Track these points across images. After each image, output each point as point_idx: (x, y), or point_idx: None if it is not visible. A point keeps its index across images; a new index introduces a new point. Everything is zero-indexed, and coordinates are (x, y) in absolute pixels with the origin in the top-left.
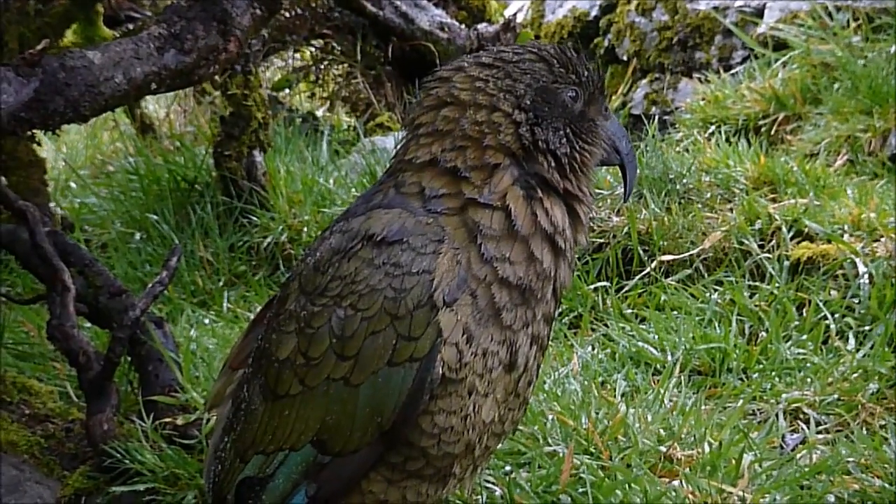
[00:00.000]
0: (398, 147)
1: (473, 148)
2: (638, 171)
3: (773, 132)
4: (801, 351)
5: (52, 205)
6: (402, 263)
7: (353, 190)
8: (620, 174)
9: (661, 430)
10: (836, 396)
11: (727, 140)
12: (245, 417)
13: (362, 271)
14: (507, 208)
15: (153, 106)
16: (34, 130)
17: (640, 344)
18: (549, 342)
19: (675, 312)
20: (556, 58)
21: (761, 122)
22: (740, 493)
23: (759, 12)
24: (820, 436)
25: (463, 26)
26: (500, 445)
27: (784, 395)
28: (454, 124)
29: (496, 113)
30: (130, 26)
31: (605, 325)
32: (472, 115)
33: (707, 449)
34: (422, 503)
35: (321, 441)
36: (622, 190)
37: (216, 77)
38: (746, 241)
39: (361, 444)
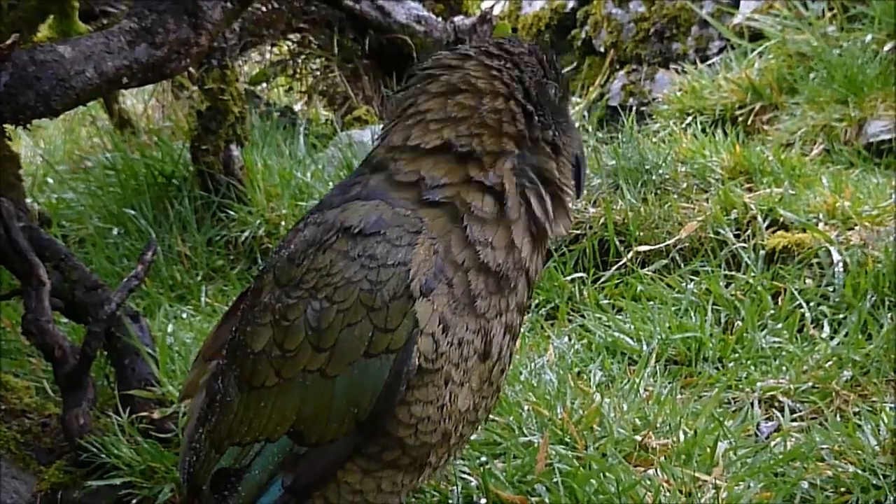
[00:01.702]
0: (383, 134)
1: (490, 134)
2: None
3: (749, 122)
4: (776, 339)
5: (29, 200)
6: (378, 255)
7: (331, 183)
8: (574, 171)
9: (637, 420)
10: (810, 384)
11: (703, 130)
12: (220, 409)
13: (337, 263)
14: (503, 192)
15: (131, 101)
16: (4, 125)
17: (617, 334)
18: (521, 331)
19: (652, 302)
20: (543, 54)
21: (738, 113)
22: (715, 481)
23: (735, 3)
24: (794, 423)
25: (440, 19)
26: (474, 434)
27: (759, 384)
28: (470, 111)
29: (512, 101)
30: (106, 21)
31: (582, 316)
32: (490, 103)
33: (682, 437)
34: (397, 492)
35: (298, 432)
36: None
37: (191, 70)
38: (722, 231)
39: (338, 435)
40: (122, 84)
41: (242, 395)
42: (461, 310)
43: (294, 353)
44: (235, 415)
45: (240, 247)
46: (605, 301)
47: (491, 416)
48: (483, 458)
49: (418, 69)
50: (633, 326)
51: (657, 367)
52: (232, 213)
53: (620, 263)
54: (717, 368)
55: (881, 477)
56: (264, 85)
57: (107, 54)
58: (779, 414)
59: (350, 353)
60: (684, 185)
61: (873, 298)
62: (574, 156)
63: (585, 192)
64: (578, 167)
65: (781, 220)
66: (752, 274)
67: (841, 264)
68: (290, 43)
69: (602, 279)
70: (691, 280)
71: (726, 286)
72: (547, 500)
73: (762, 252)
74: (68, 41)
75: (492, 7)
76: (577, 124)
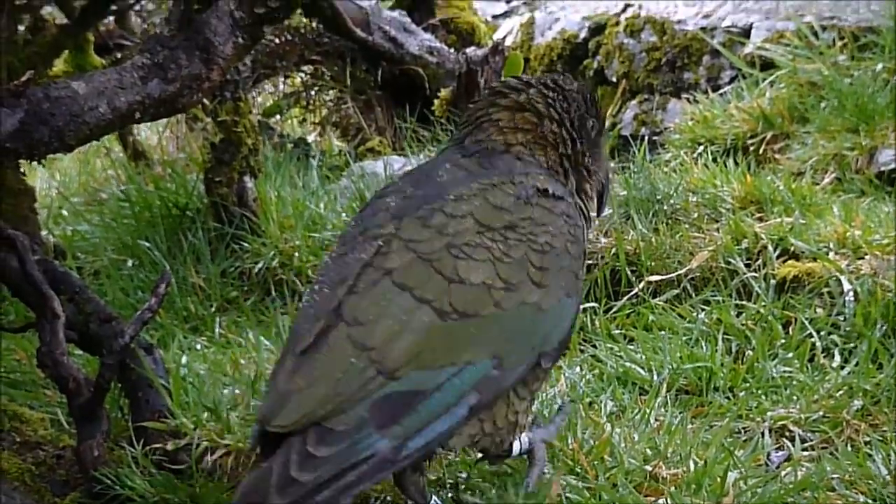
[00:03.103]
0: (462, 136)
1: (552, 150)
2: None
3: (761, 151)
4: (786, 369)
5: (44, 232)
6: (571, 215)
7: (344, 214)
8: (598, 193)
9: (647, 450)
10: (821, 413)
11: (715, 160)
12: (394, 336)
13: (546, 216)
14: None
15: (145, 132)
16: (19, 160)
17: (628, 364)
18: None
19: (663, 332)
20: (587, 93)
21: (750, 142)
22: None
23: (746, 32)
24: (805, 453)
25: (452, 50)
26: None
27: (770, 413)
28: (532, 126)
29: (562, 129)
30: (120, 54)
31: (594, 346)
32: (549, 125)
33: (692, 467)
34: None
35: (499, 356)
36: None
37: (204, 102)
38: (733, 261)
39: (527, 360)
40: (135, 119)
41: (445, 322)
42: None
43: (517, 286)
44: (431, 341)
45: (253, 278)
46: (617, 331)
47: None
48: (494, 491)
49: (488, 90)
50: (644, 356)
51: (668, 397)
52: (245, 244)
53: (632, 293)
54: (727, 398)
55: None
56: (278, 116)
57: (120, 90)
58: (789, 443)
59: (558, 290)
60: (695, 214)
61: (884, 328)
62: (600, 181)
63: (597, 223)
64: (603, 190)
65: (792, 249)
66: (763, 303)
67: (851, 294)
68: (303, 74)
69: (614, 309)
70: (702, 310)
71: (737, 316)
72: None
73: (773, 281)
74: (82, 77)
75: (504, 38)
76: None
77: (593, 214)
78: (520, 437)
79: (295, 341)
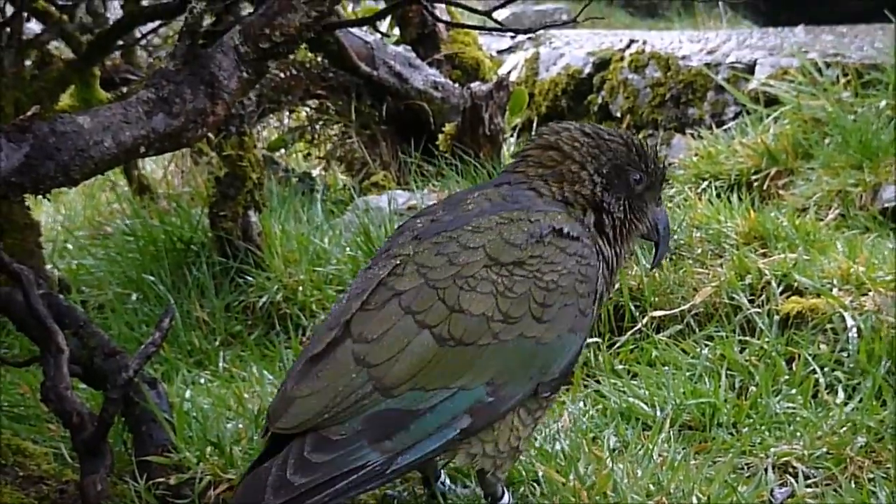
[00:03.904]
0: (513, 166)
1: (568, 184)
2: (670, 249)
3: (765, 187)
4: (790, 405)
5: (49, 266)
6: (585, 255)
7: (348, 249)
8: (655, 248)
9: (650, 485)
10: (824, 450)
11: (719, 195)
12: (398, 359)
13: (558, 255)
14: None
15: (151, 167)
16: (25, 194)
17: (631, 399)
18: None
19: (666, 368)
20: (636, 147)
21: (754, 177)
22: None
23: (751, 68)
24: (808, 489)
25: (457, 85)
26: None
27: (773, 449)
28: (555, 164)
29: (584, 171)
30: (126, 89)
31: (597, 381)
32: (568, 165)
33: (696, 503)
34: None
35: (494, 384)
36: (653, 259)
37: (209, 137)
38: (737, 296)
39: (525, 388)
40: (140, 153)
41: (441, 348)
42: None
43: (517, 320)
44: (428, 364)
45: (257, 312)
46: (620, 366)
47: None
48: None
49: (541, 128)
50: (647, 392)
51: (671, 433)
52: (250, 278)
53: (635, 329)
54: (731, 434)
55: None
56: (282, 151)
57: (125, 124)
58: (793, 480)
59: (560, 326)
60: (699, 250)
61: (887, 364)
62: (655, 230)
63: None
64: (659, 241)
65: (796, 285)
66: (767, 339)
67: (855, 330)
68: (307, 109)
69: (617, 344)
70: (706, 345)
71: (740, 351)
72: None
73: (776, 317)
74: (87, 112)
75: (508, 73)
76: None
77: (621, 265)
78: (507, 491)
79: (311, 344)
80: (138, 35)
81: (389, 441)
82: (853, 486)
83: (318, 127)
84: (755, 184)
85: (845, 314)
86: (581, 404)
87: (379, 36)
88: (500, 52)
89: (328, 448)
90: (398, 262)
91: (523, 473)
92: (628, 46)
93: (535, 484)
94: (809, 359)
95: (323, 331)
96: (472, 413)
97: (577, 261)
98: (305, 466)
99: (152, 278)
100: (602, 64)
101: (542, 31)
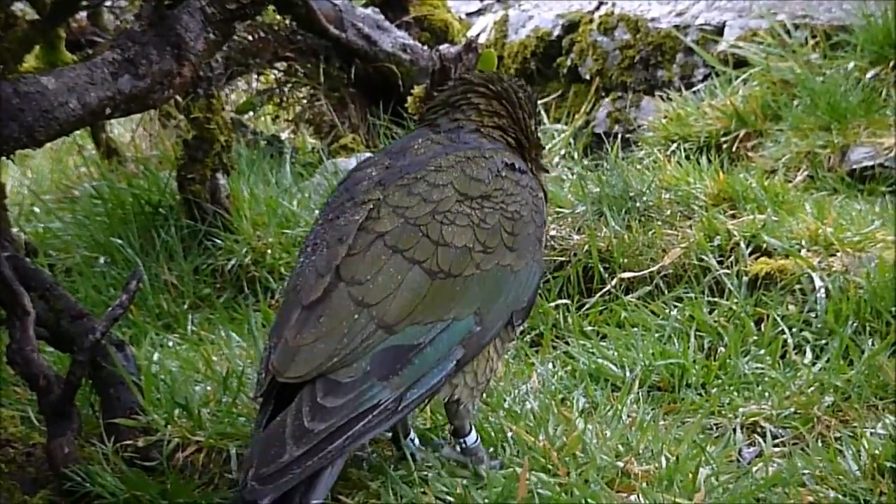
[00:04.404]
0: (434, 116)
1: (514, 134)
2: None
3: (734, 149)
4: (758, 365)
5: (15, 230)
6: (534, 187)
7: (317, 211)
8: None
9: (619, 446)
10: (792, 410)
11: (688, 157)
12: (394, 295)
13: (514, 188)
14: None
15: (118, 130)
16: None
17: (600, 361)
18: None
19: (635, 329)
20: (535, 99)
21: (723, 139)
22: None
23: (720, 30)
24: (776, 449)
25: (426, 47)
26: None
27: (742, 410)
28: (507, 113)
29: (530, 119)
30: (91, 51)
31: (566, 343)
32: (520, 113)
33: (664, 463)
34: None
35: (480, 313)
36: None
37: (177, 99)
38: (706, 258)
39: (502, 317)
40: (106, 115)
41: (434, 281)
42: None
43: (493, 249)
44: (423, 298)
45: (226, 275)
46: (590, 328)
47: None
48: (465, 484)
49: (460, 79)
50: (616, 353)
51: (640, 394)
52: (218, 241)
53: (605, 290)
54: (699, 394)
55: (863, 502)
56: (251, 114)
57: (90, 85)
58: (761, 439)
59: (526, 254)
60: (668, 212)
61: (855, 324)
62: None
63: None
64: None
65: (765, 246)
66: (736, 300)
67: (823, 290)
68: (276, 72)
69: (586, 306)
70: (675, 307)
71: (710, 312)
72: None
73: (745, 278)
74: (52, 72)
75: (477, 36)
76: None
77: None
78: (475, 430)
79: (301, 293)
80: None
81: (397, 377)
82: (820, 445)
83: (286, 90)
84: (724, 146)
85: (813, 275)
86: (550, 366)
87: None
88: (468, 14)
89: (340, 391)
90: (371, 206)
91: (493, 434)
92: (597, 9)
93: (504, 445)
94: (778, 319)
95: (310, 281)
96: (464, 344)
97: (529, 192)
98: (321, 412)
99: (120, 241)
100: (571, 26)
101: None
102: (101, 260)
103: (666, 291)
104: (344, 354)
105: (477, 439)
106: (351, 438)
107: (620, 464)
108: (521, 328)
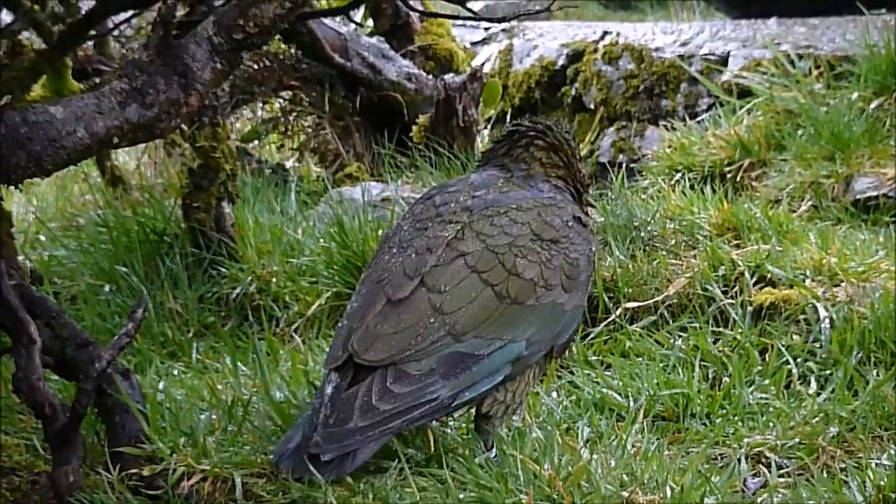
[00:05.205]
0: (498, 160)
1: (573, 184)
2: None
3: (738, 178)
4: (763, 395)
5: (21, 258)
6: (590, 241)
7: (321, 240)
8: None
9: (624, 476)
10: (797, 440)
11: (692, 187)
12: (467, 311)
13: (578, 238)
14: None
15: (124, 158)
16: None
17: (605, 390)
18: None
19: (640, 358)
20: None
21: (727, 169)
22: None
23: (724, 60)
24: (781, 479)
25: (430, 76)
26: None
27: (746, 440)
28: (565, 164)
29: (584, 168)
30: (98, 79)
31: (571, 373)
32: (577, 164)
33: (669, 493)
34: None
35: (531, 340)
36: None
37: (183, 128)
38: (710, 287)
39: (546, 349)
40: (113, 144)
41: (502, 304)
42: None
43: (553, 287)
44: (490, 317)
45: (231, 303)
46: (594, 357)
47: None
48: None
49: (515, 130)
50: (621, 383)
51: (645, 424)
52: (223, 269)
53: (609, 320)
54: (704, 424)
55: None
56: (256, 142)
57: (98, 115)
58: (766, 470)
59: (576, 298)
60: (672, 241)
61: (859, 354)
62: None
63: None
64: None
65: (769, 276)
66: (740, 330)
67: (827, 320)
68: (281, 100)
69: (591, 335)
70: (679, 336)
71: (714, 342)
72: None
73: (750, 308)
74: (60, 101)
75: (482, 65)
76: None
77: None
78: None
79: (387, 287)
80: (111, 25)
81: (456, 379)
82: (825, 475)
83: (291, 118)
84: (728, 175)
85: (818, 305)
86: (555, 395)
87: (352, 27)
88: (473, 43)
89: (407, 381)
90: (459, 227)
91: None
92: (602, 38)
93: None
94: (782, 349)
95: (398, 279)
96: (513, 364)
97: (587, 244)
98: (388, 395)
99: (125, 269)
100: (576, 56)
101: (515, 23)
102: (106, 288)
103: (670, 321)
104: (416, 350)
105: (497, 456)
106: (407, 422)
107: (625, 493)
108: (557, 360)
